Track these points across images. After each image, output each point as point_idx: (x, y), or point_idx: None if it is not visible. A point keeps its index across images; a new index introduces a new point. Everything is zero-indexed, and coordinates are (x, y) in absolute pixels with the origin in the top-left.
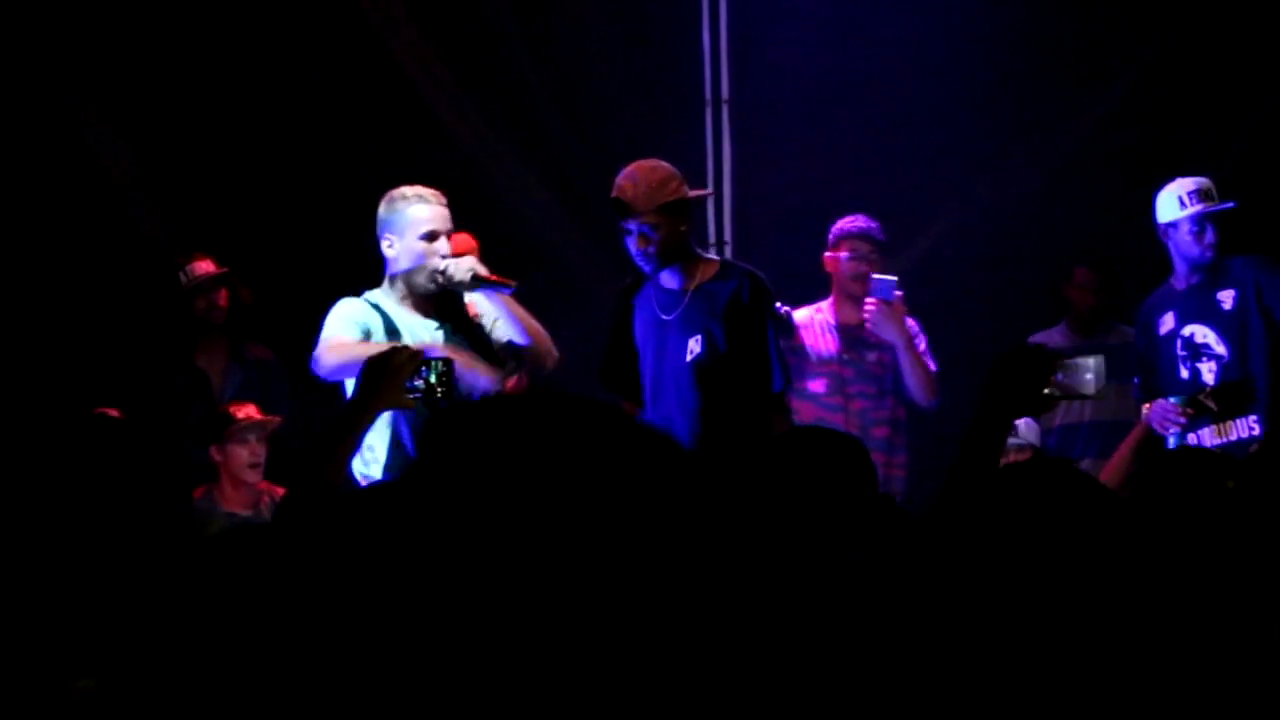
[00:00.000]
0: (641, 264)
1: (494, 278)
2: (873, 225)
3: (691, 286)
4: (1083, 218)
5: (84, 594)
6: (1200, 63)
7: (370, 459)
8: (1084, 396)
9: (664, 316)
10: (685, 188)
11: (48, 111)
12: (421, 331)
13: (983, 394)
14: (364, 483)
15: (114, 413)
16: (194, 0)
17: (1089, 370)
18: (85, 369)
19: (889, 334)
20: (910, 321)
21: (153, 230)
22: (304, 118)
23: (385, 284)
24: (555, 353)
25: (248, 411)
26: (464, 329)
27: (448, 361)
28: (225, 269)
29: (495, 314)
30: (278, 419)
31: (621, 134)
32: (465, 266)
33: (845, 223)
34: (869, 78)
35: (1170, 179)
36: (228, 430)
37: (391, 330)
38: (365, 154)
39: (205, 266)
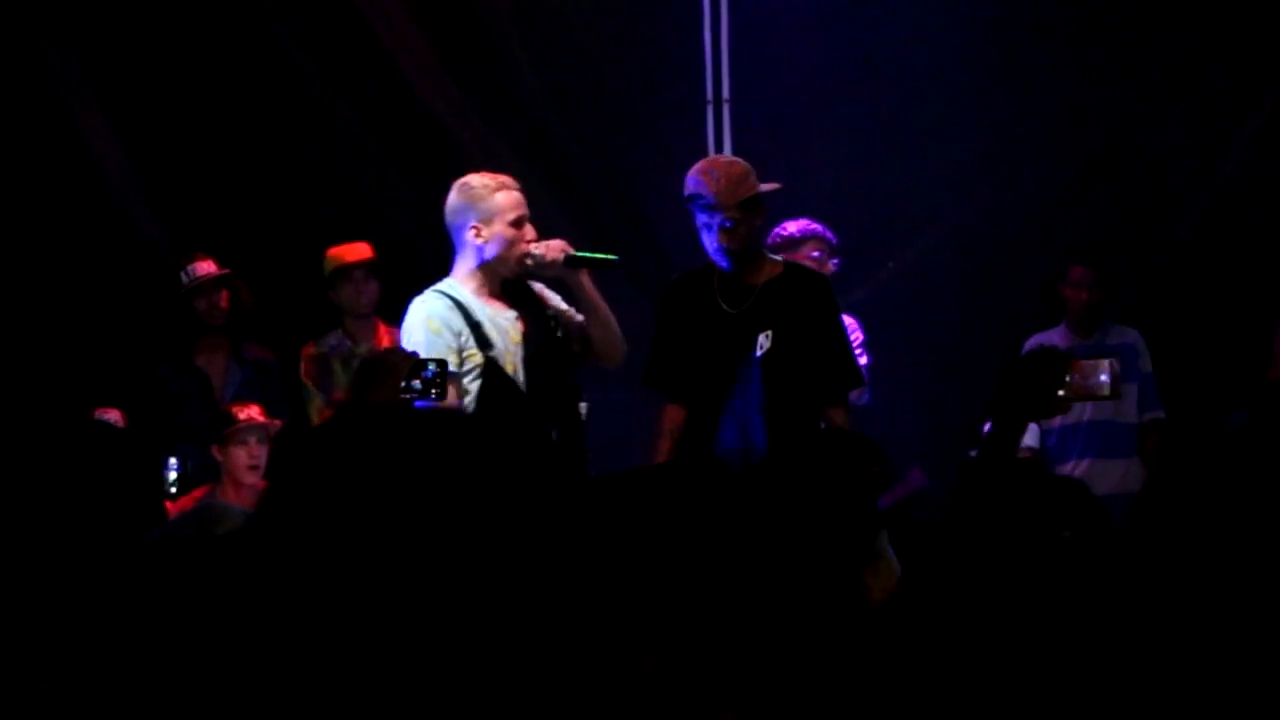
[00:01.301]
0: (718, 259)
1: (591, 256)
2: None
3: (760, 281)
4: (1083, 218)
5: (50, 598)
6: (1200, 62)
7: None
8: (1099, 398)
9: (729, 310)
10: (758, 183)
11: (47, 111)
12: (501, 321)
13: (996, 396)
14: None
15: (115, 413)
16: None
17: (1104, 371)
18: (85, 369)
19: None
20: (848, 320)
21: (153, 230)
22: (304, 118)
23: (459, 275)
24: (624, 346)
25: (249, 413)
26: (539, 318)
27: (442, 362)
28: (226, 270)
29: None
30: (279, 423)
31: (621, 134)
32: (557, 248)
33: (802, 224)
34: (869, 78)
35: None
36: (228, 431)
37: (473, 323)
38: (364, 154)
39: (206, 267)
